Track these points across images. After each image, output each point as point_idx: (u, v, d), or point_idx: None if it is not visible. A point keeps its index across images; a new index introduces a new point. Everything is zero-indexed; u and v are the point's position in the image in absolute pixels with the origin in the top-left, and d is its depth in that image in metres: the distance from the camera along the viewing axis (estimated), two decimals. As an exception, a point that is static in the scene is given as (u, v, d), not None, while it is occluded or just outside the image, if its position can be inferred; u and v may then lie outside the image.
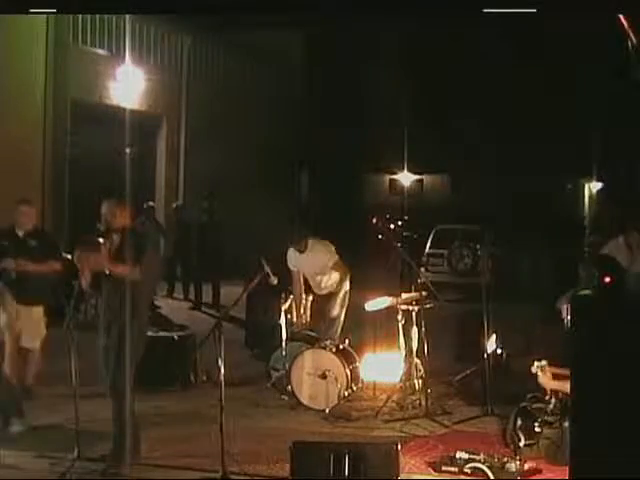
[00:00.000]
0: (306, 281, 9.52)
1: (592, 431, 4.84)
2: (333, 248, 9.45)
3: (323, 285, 9.44)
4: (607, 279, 6.87)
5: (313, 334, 9.13)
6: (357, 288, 9.55)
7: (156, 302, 13.65)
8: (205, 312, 14.82)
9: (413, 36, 26.65)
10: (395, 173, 30.87)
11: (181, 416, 8.02)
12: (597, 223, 22.51)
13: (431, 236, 19.14)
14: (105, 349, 6.51)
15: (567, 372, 6.98)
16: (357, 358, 8.84)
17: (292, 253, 9.42)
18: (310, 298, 9.49)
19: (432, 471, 6.56)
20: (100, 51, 18.98)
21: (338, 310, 9.39)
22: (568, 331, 6.90)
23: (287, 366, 8.69)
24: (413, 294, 8.78)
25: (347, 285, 9.44)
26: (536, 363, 7.13)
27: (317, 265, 9.36)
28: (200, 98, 22.20)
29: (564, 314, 7.34)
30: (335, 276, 9.38)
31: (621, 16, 5.61)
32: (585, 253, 16.87)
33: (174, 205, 18.02)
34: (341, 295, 9.43)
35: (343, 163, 26.87)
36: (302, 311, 9.43)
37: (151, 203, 16.63)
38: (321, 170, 26.94)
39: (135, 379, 6.44)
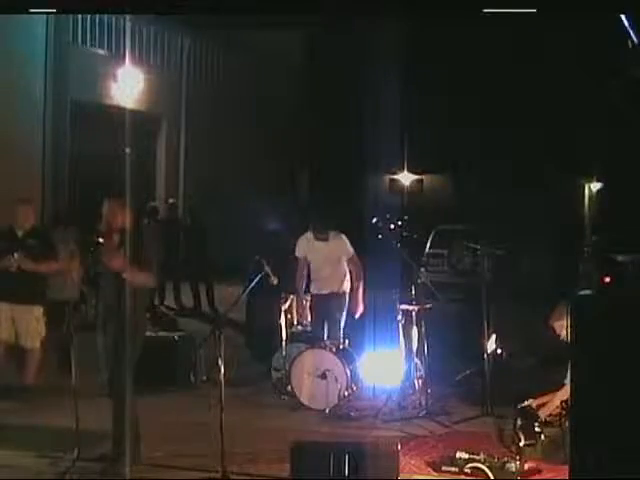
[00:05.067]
0: (307, 280, 9.45)
1: (592, 431, 4.84)
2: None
3: (327, 281, 9.25)
4: (607, 279, 6.87)
5: (313, 334, 9.12)
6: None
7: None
8: (204, 313, 14.81)
9: (414, 35, 26.65)
10: (395, 173, 30.86)
11: (181, 416, 8.02)
12: (597, 223, 22.52)
13: (431, 236, 19.13)
14: (103, 348, 6.52)
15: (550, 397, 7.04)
16: (357, 358, 8.84)
17: (306, 241, 9.25)
18: (308, 298, 9.45)
19: (432, 471, 6.55)
20: (100, 51, 19.00)
21: (340, 311, 9.31)
22: (566, 347, 6.88)
23: (287, 366, 8.70)
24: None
25: (347, 286, 9.36)
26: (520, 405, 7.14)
27: (335, 254, 9.19)
28: (200, 98, 22.21)
29: (558, 330, 7.20)
30: (341, 273, 9.28)
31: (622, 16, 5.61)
32: (585, 253, 16.88)
33: (169, 201, 17.75)
34: (342, 295, 9.35)
35: (343, 163, 26.86)
36: (302, 311, 9.42)
37: (154, 203, 16.58)
38: (321, 170, 26.93)
39: (135, 379, 6.43)
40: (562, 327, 7.04)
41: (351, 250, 9.26)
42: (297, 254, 9.35)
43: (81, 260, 6.64)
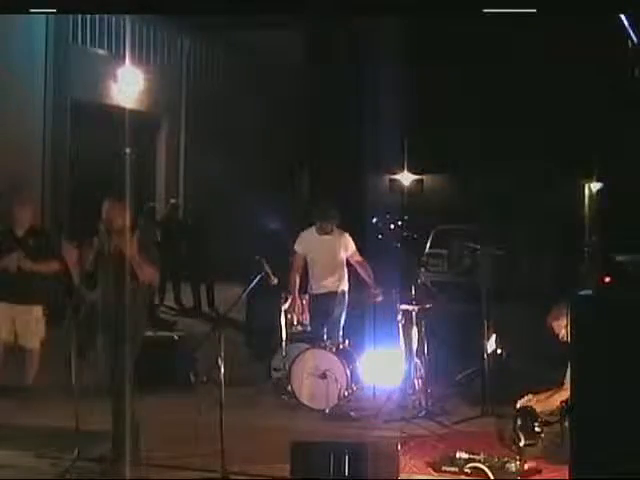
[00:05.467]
0: (304, 278, 9.43)
1: (592, 431, 4.84)
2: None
3: (327, 279, 9.24)
4: (607, 279, 6.85)
5: (313, 334, 9.11)
6: (357, 288, 9.53)
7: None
8: (204, 313, 14.81)
9: (414, 35, 26.65)
10: (395, 173, 30.85)
11: (181, 416, 8.01)
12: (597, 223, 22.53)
13: (431, 236, 19.15)
14: (103, 348, 6.52)
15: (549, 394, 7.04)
16: (357, 358, 8.84)
17: (309, 236, 9.25)
18: (307, 297, 9.42)
19: (432, 471, 6.54)
20: (100, 51, 19.00)
21: (339, 310, 9.30)
22: (566, 347, 6.87)
23: (287, 366, 8.69)
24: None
25: (346, 285, 9.36)
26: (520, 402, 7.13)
27: (337, 249, 9.18)
28: (200, 98, 22.21)
29: (556, 330, 7.19)
30: (342, 272, 9.25)
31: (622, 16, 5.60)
32: (585, 253, 16.87)
33: (171, 201, 17.71)
34: (340, 295, 9.34)
35: (343, 163, 26.86)
36: (300, 310, 9.39)
37: (152, 204, 16.56)
38: (321, 170, 26.92)
39: (135, 379, 6.43)
40: (560, 327, 7.04)
41: (354, 246, 9.27)
42: (296, 248, 9.32)
43: (81, 256, 6.62)
